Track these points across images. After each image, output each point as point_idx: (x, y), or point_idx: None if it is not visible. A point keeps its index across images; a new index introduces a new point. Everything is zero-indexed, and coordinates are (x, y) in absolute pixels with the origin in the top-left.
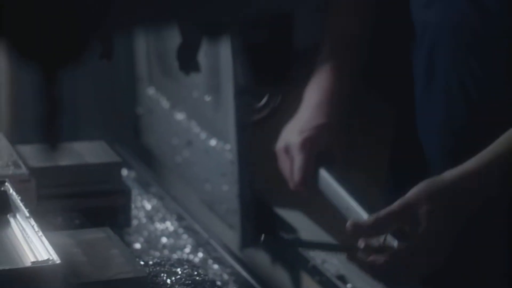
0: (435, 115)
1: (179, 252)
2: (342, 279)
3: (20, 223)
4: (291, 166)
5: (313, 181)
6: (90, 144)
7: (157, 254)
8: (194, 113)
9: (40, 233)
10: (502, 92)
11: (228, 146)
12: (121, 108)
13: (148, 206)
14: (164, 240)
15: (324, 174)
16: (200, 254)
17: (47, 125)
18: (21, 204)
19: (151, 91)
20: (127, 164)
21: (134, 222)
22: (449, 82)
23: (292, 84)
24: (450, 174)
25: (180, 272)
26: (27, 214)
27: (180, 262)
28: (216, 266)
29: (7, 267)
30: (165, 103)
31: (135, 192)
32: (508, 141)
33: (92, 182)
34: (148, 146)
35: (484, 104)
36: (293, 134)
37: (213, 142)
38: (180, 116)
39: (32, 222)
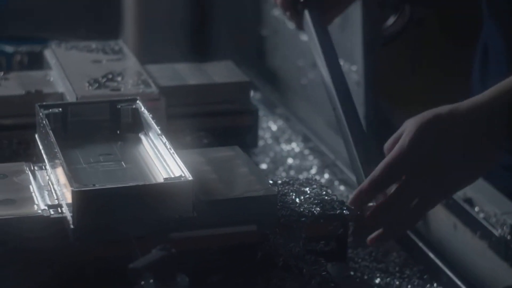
0: None
1: (305, 173)
2: (470, 202)
3: (152, 141)
4: None
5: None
6: (218, 64)
7: (284, 174)
8: None
9: (172, 151)
10: None
11: (354, 67)
12: (246, 29)
13: (274, 127)
14: (290, 161)
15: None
16: (326, 175)
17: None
18: (152, 122)
19: (276, 12)
20: (253, 85)
21: (261, 143)
22: None
23: (422, 4)
24: (449, 107)
25: (308, 192)
26: (159, 132)
27: (308, 182)
28: (342, 188)
29: (140, 183)
30: (290, 24)
31: (260, 113)
32: None
33: (221, 102)
34: (273, 67)
35: None
36: None
37: None
38: (305, 37)
39: (164, 139)
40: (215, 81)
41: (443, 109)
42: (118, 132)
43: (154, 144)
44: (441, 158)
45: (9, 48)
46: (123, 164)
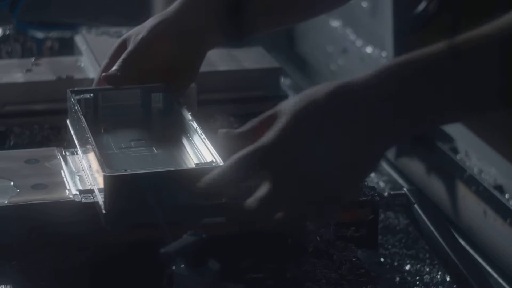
0: None
1: None
2: (500, 189)
3: (183, 126)
4: None
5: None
6: (248, 50)
7: None
8: (350, 19)
9: (203, 136)
10: None
11: (384, 53)
12: None
13: None
14: None
15: None
16: None
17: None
18: (183, 107)
19: None
20: (282, 71)
21: None
22: None
23: None
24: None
25: None
26: (190, 117)
27: None
28: (372, 174)
29: (172, 168)
30: None
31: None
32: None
33: (251, 88)
34: (303, 53)
35: None
36: None
37: (369, 49)
38: (335, 23)
39: (195, 125)
40: (245, 67)
41: (324, 89)
42: (149, 117)
43: (185, 130)
44: (317, 156)
45: (39, 34)
46: (154, 149)
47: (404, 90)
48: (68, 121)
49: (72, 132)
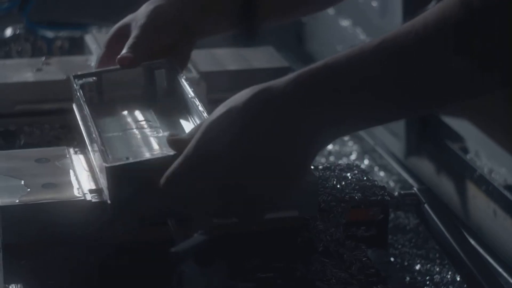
0: None
1: (344, 159)
2: (510, 189)
3: (187, 105)
4: None
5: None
6: (258, 49)
7: (323, 160)
8: (359, 19)
9: (205, 114)
10: None
11: None
12: None
13: None
14: (329, 146)
15: None
16: (366, 161)
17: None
18: (185, 83)
19: None
20: (292, 71)
21: None
22: None
23: None
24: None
25: (349, 177)
26: (192, 94)
27: (349, 167)
28: (382, 173)
29: (171, 153)
30: (330, 9)
31: None
32: None
33: None
34: (312, 53)
35: None
36: None
37: None
38: (345, 22)
39: (197, 102)
40: (255, 66)
41: (244, 95)
42: (154, 97)
43: (188, 108)
44: (232, 166)
45: (49, 33)
46: (161, 130)
47: (317, 95)
48: (74, 105)
49: (78, 117)
